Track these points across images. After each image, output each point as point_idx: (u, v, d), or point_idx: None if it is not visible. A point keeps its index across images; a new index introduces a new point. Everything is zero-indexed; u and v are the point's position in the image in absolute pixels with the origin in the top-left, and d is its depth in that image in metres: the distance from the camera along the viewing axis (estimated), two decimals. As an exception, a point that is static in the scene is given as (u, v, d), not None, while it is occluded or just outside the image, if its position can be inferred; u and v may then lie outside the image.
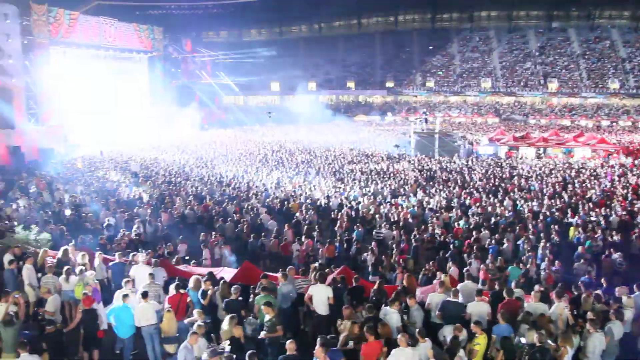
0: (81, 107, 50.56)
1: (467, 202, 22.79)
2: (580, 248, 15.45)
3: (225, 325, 9.10)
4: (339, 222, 18.53)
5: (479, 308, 9.66)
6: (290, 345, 8.36)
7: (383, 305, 9.75)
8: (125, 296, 9.82)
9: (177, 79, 62.22)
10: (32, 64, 38.62)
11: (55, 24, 40.27)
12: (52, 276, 11.28)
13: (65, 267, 11.78)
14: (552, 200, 22.82)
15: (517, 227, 17.83)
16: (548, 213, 20.32)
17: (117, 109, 54.18)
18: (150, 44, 54.05)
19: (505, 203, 22.26)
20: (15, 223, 17.16)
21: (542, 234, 17.28)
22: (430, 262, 14.18)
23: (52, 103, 41.41)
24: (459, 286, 10.78)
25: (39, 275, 11.74)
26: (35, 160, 36.51)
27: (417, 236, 16.50)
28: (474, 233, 17.11)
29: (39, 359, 8.06)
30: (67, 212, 19.84)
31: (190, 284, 10.76)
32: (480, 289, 10.18)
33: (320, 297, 10.16)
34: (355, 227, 17.74)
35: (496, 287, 10.88)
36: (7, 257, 12.40)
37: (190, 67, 64.86)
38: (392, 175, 31.67)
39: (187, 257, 14.44)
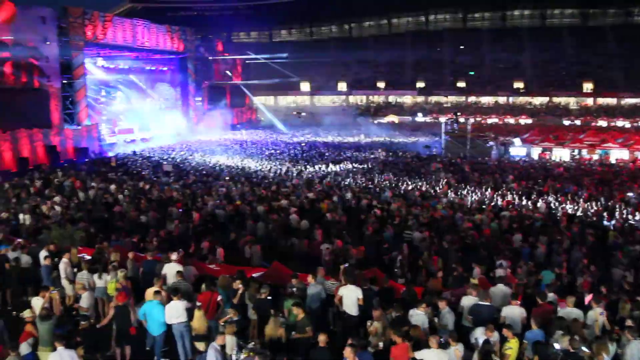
0: (115, 107, 51.63)
1: (500, 203, 22.43)
2: (617, 253, 15.03)
3: (270, 324, 9.20)
4: (368, 223, 18.40)
5: (513, 312, 9.48)
6: (321, 337, 8.47)
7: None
8: (156, 293, 9.93)
9: (208, 80, 62.80)
10: (67, 65, 39.44)
11: (90, 26, 41.02)
12: (86, 273, 11.53)
13: (99, 265, 12.00)
14: (588, 203, 22.31)
15: (551, 230, 17.45)
16: (584, 216, 19.86)
17: (149, 110, 55.08)
18: (182, 45, 54.68)
19: (538, 205, 21.84)
20: (51, 220, 17.57)
21: (577, 238, 16.89)
22: (458, 264, 13.97)
23: (86, 103, 42.19)
24: (490, 289, 10.61)
25: (74, 271, 11.99)
26: (70, 159, 37.35)
27: (448, 238, 16.31)
28: (505, 236, 16.83)
29: (74, 353, 8.20)
30: (101, 210, 20.19)
31: (220, 282, 10.82)
32: (515, 293, 10.00)
33: (350, 298, 10.11)
34: (385, 228, 17.61)
35: (528, 291, 10.68)
36: (43, 254, 12.70)
37: (221, 67, 65.36)
38: (422, 176, 31.44)
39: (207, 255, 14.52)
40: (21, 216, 18.59)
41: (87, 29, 40.67)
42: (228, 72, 66.96)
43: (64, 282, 11.83)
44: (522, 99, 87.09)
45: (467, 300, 10.07)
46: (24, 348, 8.47)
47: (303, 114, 71.30)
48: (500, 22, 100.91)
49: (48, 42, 36.39)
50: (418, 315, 9.25)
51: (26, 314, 9.54)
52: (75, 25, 39.69)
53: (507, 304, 9.96)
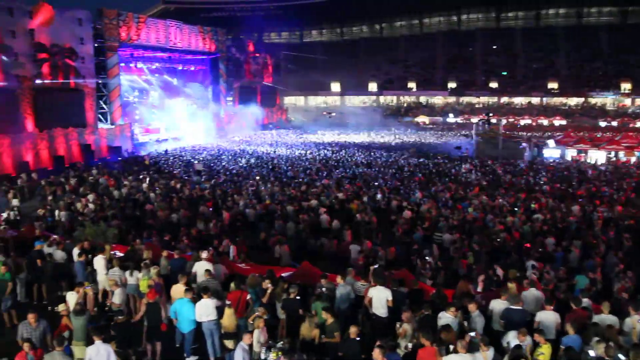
0: (148, 107, 52.45)
1: (532, 206, 22.01)
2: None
3: (305, 324, 9.23)
4: (398, 224, 18.27)
5: (547, 317, 9.28)
6: (352, 329, 8.63)
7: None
8: (186, 291, 10.02)
9: (239, 80, 63.31)
10: (102, 66, 40.24)
11: (125, 27, 41.77)
12: (118, 269, 11.73)
13: (131, 262, 12.19)
14: (625, 207, 21.73)
15: (586, 234, 17.04)
16: (620, 220, 19.33)
17: (181, 109, 55.80)
18: (213, 45, 55.23)
19: (573, 208, 21.35)
20: (85, 218, 17.91)
21: (613, 242, 16.44)
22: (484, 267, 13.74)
23: (120, 103, 42.98)
24: (522, 293, 10.42)
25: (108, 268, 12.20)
26: (104, 157, 38.09)
27: (477, 240, 16.07)
28: (538, 239, 16.49)
29: (110, 348, 8.38)
30: (133, 208, 20.51)
31: (250, 281, 10.86)
32: (550, 298, 9.77)
33: (379, 299, 10.04)
34: (415, 229, 17.45)
35: (561, 296, 10.44)
36: (77, 250, 12.96)
37: (252, 67, 65.78)
38: (453, 177, 31.11)
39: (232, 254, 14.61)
40: (57, 213, 19.02)
41: (121, 30, 41.45)
42: (259, 72, 67.25)
43: (100, 278, 12.04)
44: (556, 100, 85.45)
45: (496, 304, 9.92)
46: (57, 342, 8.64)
47: (333, 114, 71.23)
48: (534, 21, 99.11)
49: (84, 43, 37.15)
50: (447, 319, 9.12)
51: (60, 307, 9.75)
52: (110, 26, 40.50)
53: (539, 308, 9.78)
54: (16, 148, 31.41)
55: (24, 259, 12.87)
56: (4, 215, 19.09)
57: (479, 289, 11.58)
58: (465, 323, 9.34)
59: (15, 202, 21.36)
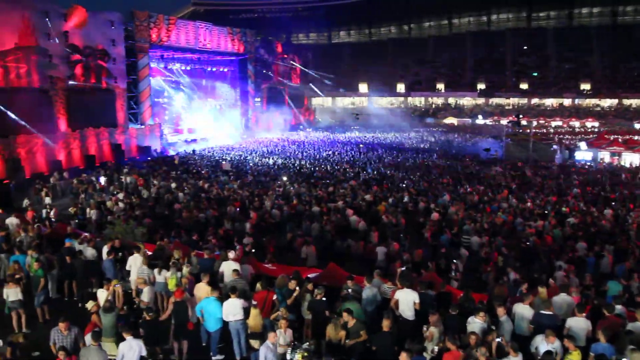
0: (177, 107, 53.08)
1: (563, 210, 21.58)
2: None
3: (331, 326, 9.20)
4: (426, 226, 18.10)
5: (578, 324, 9.07)
6: (385, 322, 8.79)
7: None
8: (213, 290, 10.08)
9: (267, 80, 63.65)
10: (133, 67, 40.89)
11: (155, 29, 42.38)
12: (146, 268, 11.87)
13: (159, 261, 12.32)
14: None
15: (619, 239, 16.62)
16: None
17: (209, 110, 56.39)
18: (242, 47, 55.61)
19: (605, 212, 20.87)
20: (115, 216, 18.18)
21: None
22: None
23: (150, 103, 43.60)
24: (553, 299, 10.20)
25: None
26: (134, 157, 38.69)
27: (505, 244, 15.82)
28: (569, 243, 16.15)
29: (142, 343, 8.59)
30: (162, 207, 20.75)
31: (278, 282, 10.88)
32: (582, 304, 9.52)
33: (406, 301, 9.95)
34: (442, 232, 17.28)
35: (594, 302, 10.19)
36: (106, 248, 13.16)
37: (280, 68, 66.06)
38: (482, 179, 30.73)
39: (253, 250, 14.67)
40: (87, 211, 19.35)
41: (152, 32, 42.08)
42: (287, 73, 67.48)
43: (132, 278, 12.20)
44: (589, 101, 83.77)
45: (520, 309, 9.74)
46: (89, 339, 8.77)
47: (360, 115, 71.02)
48: (567, 21, 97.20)
49: (115, 45, 37.80)
50: (476, 324, 8.98)
51: (90, 305, 9.89)
52: (141, 28, 41.15)
53: (570, 314, 9.57)
54: (49, 147, 32.11)
55: (56, 256, 13.12)
56: (40, 213, 19.51)
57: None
58: (494, 327, 9.20)
59: (47, 200, 21.82)
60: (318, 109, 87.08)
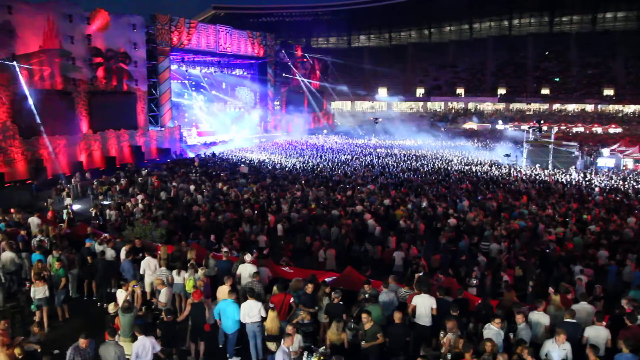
0: (196, 110, 53.47)
1: (584, 217, 21.27)
2: None
3: (332, 329, 9.10)
4: (444, 232, 17.97)
5: (597, 333, 8.91)
6: (396, 315, 9.25)
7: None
8: (230, 292, 10.10)
9: (286, 84, 63.85)
10: (154, 70, 41.32)
11: (176, 32, 42.81)
12: (164, 269, 11.96)
13: (177, 262, 12.39)
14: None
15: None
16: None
17: (229, 113, 56.72)
18: (262, 50, 55.89)
19: (628, 220, 20.51)
20: (134, 217, 18.36)
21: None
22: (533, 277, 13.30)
23: (170, 106, 43.99)
24: (574, 306, 10.04)
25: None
26: (154, 159, 39.05)
27: (525, 251, 15.64)
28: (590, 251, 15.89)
29: (155, 340, 8.73)
30: (180, 209, 20.87)
31: (293, 285, 10.88)
32: (601, 312, 9.35)
33: (424, 307, 9.89)
34: (461, 237, 17.14)
35: (615, 311, 10.00)
36: (125, 249, 13.29)
37: (300, 72, 66.25)
38: (501, 185, 30.44)
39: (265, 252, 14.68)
40: (107, 212, 19.55)
41: (173, 35, 42.51)
42: (306, 77, 67.60)
43: (147, 279, 12.30)
44: (612, 107, 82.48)
45: (535, 316, 9.60)
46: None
47: (380, 119, 70.80)
48: (591, 25, 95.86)
49: (137, 48, 38.25)
50: (492, 331, 8.89)
51: (111, 308, 10.00)
52: (163, 31, 41.60)
53: (590, 323, 9.41)
54: (71, 148, 32.60)
55: (76, 256, 13.28)
56: (60, 213, 19.77)
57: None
58: (511, 335, 9.09)
59: (68, 200, 22.11)
60: (337, 113, 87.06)
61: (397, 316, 9.30)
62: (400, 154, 46.41)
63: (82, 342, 8.16)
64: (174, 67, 46.01)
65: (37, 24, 30.39)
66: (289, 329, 8.68)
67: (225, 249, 13.97)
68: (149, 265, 12.38)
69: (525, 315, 9.44)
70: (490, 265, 14.54)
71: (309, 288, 10.49)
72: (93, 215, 19.60)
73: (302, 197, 23.83)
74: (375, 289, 10.82)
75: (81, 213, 21.68)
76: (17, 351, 8.22)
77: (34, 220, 17.13)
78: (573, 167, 41.61)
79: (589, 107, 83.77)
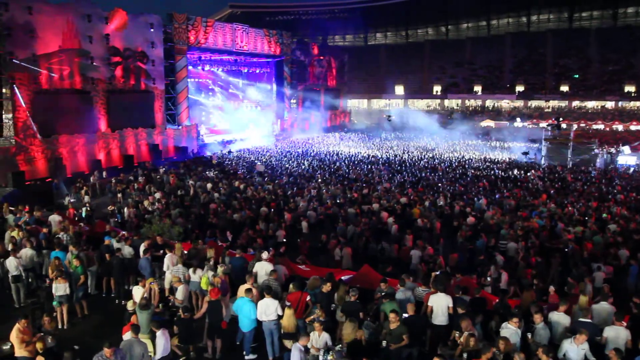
0: (213, 108, 53.72)
1: (604, 216, 20.97)
2: None
3: (347, 328, 9.08)
4: (461, 230, 17.85)
5: (617, 333, 8.77)
6: (410, 307, 9.52)
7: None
8: (247, 291, 10.13)
9: (303, 82, 63.83)
10: (171, 68, 41.58)
11: (193, 31, 43.04)
12: (181, 267, 12.04)
13: (194, 260, 12.46)
14: None
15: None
16: None
17: (245, 111, 56.89)
18: (278, 49, 55.97)
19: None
20: (152, 215, 18.50)
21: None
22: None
23: (187, 104, 44.26)
24: (593, 306, 9.91)
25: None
26: (171, 157, 39.32)
27: (544, 250, 15.46)
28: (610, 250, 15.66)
29: (167, 333, 8.97)
30: (197, 207, 21.00)
31: (310, 283, 10.89)
32: (620, 313, 9.19)
33: (440, 306, 9.84)
34: (478, 236, 17.01)
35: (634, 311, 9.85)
36: (143, 246, 13.40)
37: (316, 70, 66.20)
38: (520, 183, 30.15)
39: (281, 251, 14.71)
40: (125, 210, 19.74)
41: (190, 34, 42.75)
42: (323, 75, 67.55)
43: (167, 276, 12.39)
44: (633, 104, 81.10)
45: (555, 317, 9.48)
46: (128, 336, 8.96)
47: (392, 117, 70.30)
48: (611, 21, 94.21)
49: (154, 47, 38.49)
50: (510, 330, 8.80)
51: (129, 305, 10.10)
52: (180, 30, 41.86)
53: (609, 323, 9.27)
54: (90, 147, 32.98)
55: (95, 253, 13.42)
56: (80, 211, 20.01)
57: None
58: (529, 335, 8.99)
59: (87, 198, 22.36)
60: (353, 111, 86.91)
61: (411, 308, 9.52)
62: (417, 152, 46.18)
63: (106, 351, 7.81)
64: (190, 66, 46.18)
65: (56, 24, 30.75)
66: (317, 326, 8.70)
67: (252, 247, 14.05)
68: (171, 261, 12.48)
69: (543, 315, 9.33)
70: (507, 265, 14.42)
71: (326, 287, 10.49)
72: (111, 213, 19.80)
73: (318, 196, 23.83)
74: (391, 287, 10.79)
75: (99, 211, 21.90)
76: (39, 345, 8.36)
77: (54, 218, 17.35)
78: (593, 164, 41.09)
79: (610, 104, 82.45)
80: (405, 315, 9.52)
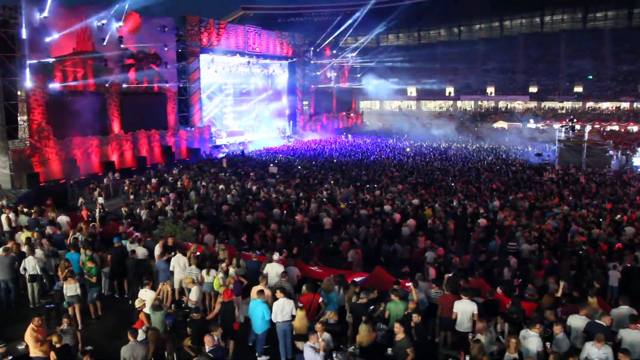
0: (225, 110, 53.83)
1: (617, 218, 20.74)
2: None
3: (363, 330, 9.05)
4: (474, 232, 17.74)
5: (633, 336, 8.62)
6: (411, 305, 9.59)
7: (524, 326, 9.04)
8: (259, 292, 10.13)
9: (315, 84, 63.79)
10: (184, 70, 41.77)
11: (206, 33, 43.22)
12: (195, 268, 12.08)
13: (207, 261, 12.49)
14: None
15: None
16: None
17: (258, 113, 56.97)
18: (290, 50, 56.02)
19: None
20: (165, 216, 18.58)
21: None
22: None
23: (200, 106, 44.44)
24: (612, 310, 9.75)
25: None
26: (184, 159, 39.51)
27: (558, 252, 15.32)
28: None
29: None
30: (210, 208, 21.06)
31: (324, 285, 10.87)
32: (635, 316, 9.02)
33: (465, 312, 9.75)
34: (491, 238, 16.89)
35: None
36: (159, 248, 13.44)
37: (329, 72, 66.16)
38: (533, 185, 29.92)
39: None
40: (138, 211, 19.84)
41: (202, 36, 42.94)
42: (335, 76, 67.51)
43: (176, 277, 12.42)
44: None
45: (574, 320, 9.30)
46: (140, 335, 8.99)
47: (405, 117, 70.08)
48: (627, 21, 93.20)
49: (167, 49, 38.69)
50: (532, 337, 8.50)
51: (137, 303, 10.13)
52: (192, 32, 42.04)
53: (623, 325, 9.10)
54: (103, 149, 33.24)
55: (108, 254, 13.48)
56: (93, 212, 20.14)
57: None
58: (548, 344, 8.75)
59: (100, 200, 22.49)
60: (366, 112, 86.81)
61: (411, 307, 9.54)
62: (429, 153, 45.99)
63: None
64: (203, 67, 46.34)
65: (71, 26, 30.99)
66: (318, 327, 8.67)
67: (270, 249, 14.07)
68: (178, 263, 12.52)
69: (563, 326, 9.08)
70: (520, 267, 14.30)
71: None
72: (124, 214, 19.91)
73: (330, 197, 23.80)
74: (404, 290, 10.73)
75: (113, 212, 22.03)
76: (54, 339, 8.42)
77: (62, 219, 17.48)
78: (607, 166, 40.67)
79: (624, 105, 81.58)
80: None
